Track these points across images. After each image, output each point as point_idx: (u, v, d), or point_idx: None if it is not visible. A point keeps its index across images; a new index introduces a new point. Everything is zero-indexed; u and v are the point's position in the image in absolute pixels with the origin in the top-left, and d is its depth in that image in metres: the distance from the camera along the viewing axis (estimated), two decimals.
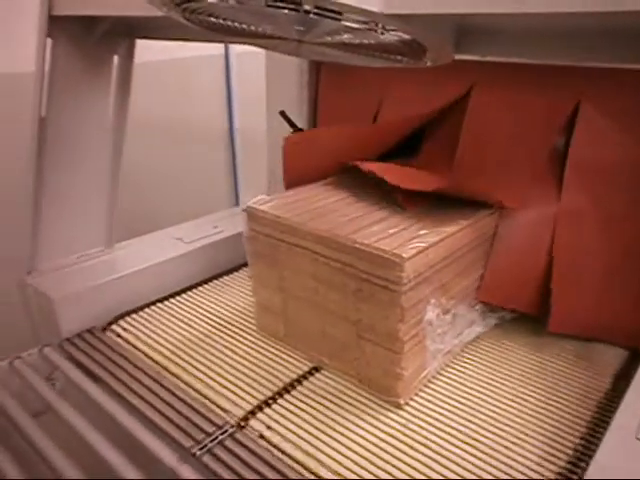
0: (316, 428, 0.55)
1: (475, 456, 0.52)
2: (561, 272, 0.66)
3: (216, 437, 0.53)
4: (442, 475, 0.49)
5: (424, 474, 0.50)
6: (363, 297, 0.57)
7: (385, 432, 0.55)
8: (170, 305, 0.81)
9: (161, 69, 1.42)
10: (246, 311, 0.78)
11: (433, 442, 0.53)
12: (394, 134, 0.79)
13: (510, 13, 0.38)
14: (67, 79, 0.77)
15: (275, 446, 0.53)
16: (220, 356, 0.68)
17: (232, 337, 0.72)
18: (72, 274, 0.79)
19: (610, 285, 0.66)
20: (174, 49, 1.35)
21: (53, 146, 0.77)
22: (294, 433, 0.55)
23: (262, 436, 0.54)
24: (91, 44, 0.78)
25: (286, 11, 0.39)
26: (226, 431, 0.54)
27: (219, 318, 0.77)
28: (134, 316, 0.78)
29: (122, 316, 0.77)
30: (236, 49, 1.66)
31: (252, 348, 0.70)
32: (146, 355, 0.69)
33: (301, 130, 0.91)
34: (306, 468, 0.51)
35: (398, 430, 0.55)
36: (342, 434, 0.55)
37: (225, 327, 0.75)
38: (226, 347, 0.70)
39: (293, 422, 0.56)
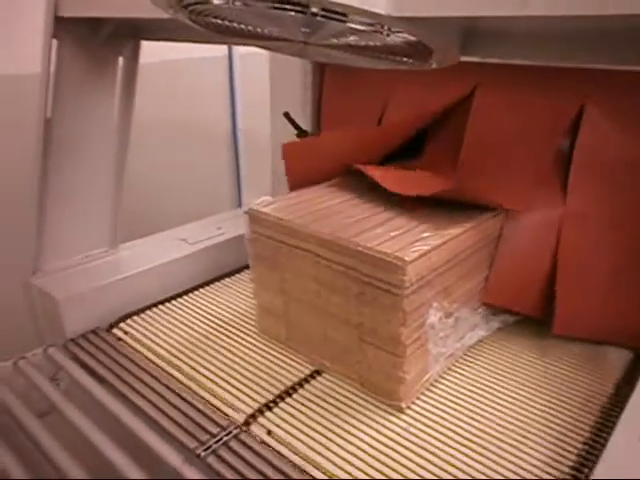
0: (317, 432, 0.55)
1: (477, 460, 0.51)
2: (566, 274, 0.66)
3: (220, 438, 0.53)
4: None
5: (425, 478, 0.49)
6: (365, 300, 0.57)
7: (386, 436, 0.54)
8: (174, 306, 0.81)
9: (164, 70, 1.41)
10: (247, 313, 0.78)
11: (434, 446, 0.53)
12: (397, 136, 0.78)
13: (513, 16, 0.38)
14: (72, 80, 0.76)
15: (275, 450, 0.53)
16: (222, 359, 0.67)
17: (234, 339, 0.72)
18: (77, 275, 0.79)
19: (615, 287, 0.65)
20: (176, 50, 1.35)
21: (58, 147, 0.77)
22: (295, 437, 0.54)
23: (262, 441, 0.54)
24: (96, 45, 0.78)
25: (292, 13, 0.39)
26: (230, 432, 0.54)
27: (222, 319, 0.77)
28: (138, 317, 0.77)
29: (126, 317, 0.77)
30: (239, 50, 1.66)
31: (254, 351, 0.69)
32: (150, 356, 0.68)
33: (305, 132, 0.91)
34: (306, 472, 0.50)
35: (399, 434, 0.54)
36: (343, 438, 0.54)
37: (228, 329, 0.74)
38: (227, 349, 0.69)
39: (294, 426, 0.55)
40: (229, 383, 0.63)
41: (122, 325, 0.75)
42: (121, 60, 0.82)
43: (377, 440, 0.54)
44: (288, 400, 0.59)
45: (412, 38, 0.43)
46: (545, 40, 0.52)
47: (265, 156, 1.03)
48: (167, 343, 0.71)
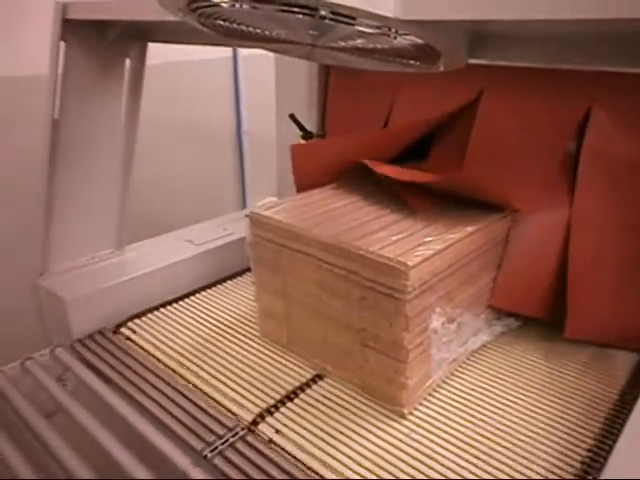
0: (318, 437, 0.54)
1: (480, 467, 0.50)
2: (576, 277, 0.64)
3: (227, 439, 0.52)
4: None
5: None
6: (367, 305, 0.56)
7: (388, 442, 0.53)
8: (180, 307, 0.80)
9: (169, 72, 1.41)
10: (248, 316, 0.77)
11: (436, 452, 0.51)
12: (403, 138, 0.77)
13: (522, 20, 0.38)
14: (80, 82, 0.76)
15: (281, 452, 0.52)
16: (224, 362, 0.66)
17: (236, 342, 0.71)
18: (83, 276, 0.79)
19: (624, 289, 0.64)
20: (179, 52, 1.34)
21: (65, 148, 0.76)
22: (295, 443, 0.53)
23: (270, 440, 0.53)
24: (103, 47, 0.77)
25: (301, 16, 0.39)
26: (237, 433, 0.53)
27: (226, 321, 0.76)
28: (145, 318, 0.77)
29: (133, 318, 0.77)
30: (243, 52, 1.65)
31: (255, 355, 0.68)
32: (156, 357, 0.68)
33: (310, 133, 0.91)
34: (310, 476, 0.49)
35: (401, 440, 0.53)
36: (344, 444, 0.53)
37: (230, 331, 0.73)
38: (228, 353, 0.68)
39: (295, 431, 0.54)
40: (229, 387, 0.62)
41: (128, 326, 0.75)
42: (128, 62, 0.82)
43: (378, 446, 0.52)
44: (289, 405, 0.58)
45: (420, 41, 0.43)
46: (552, 43, 0.52)
47: (269, 158, 1.03)
48: (172, 345, 0.71)
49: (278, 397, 0.60)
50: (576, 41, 0.50)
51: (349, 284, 0.56)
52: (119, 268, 0.82)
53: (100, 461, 0.52)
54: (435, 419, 0.56)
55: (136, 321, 0.77)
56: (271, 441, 0.54)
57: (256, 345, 0.70)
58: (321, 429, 0.55)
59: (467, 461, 0.51)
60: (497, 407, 0.58)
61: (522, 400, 0.58)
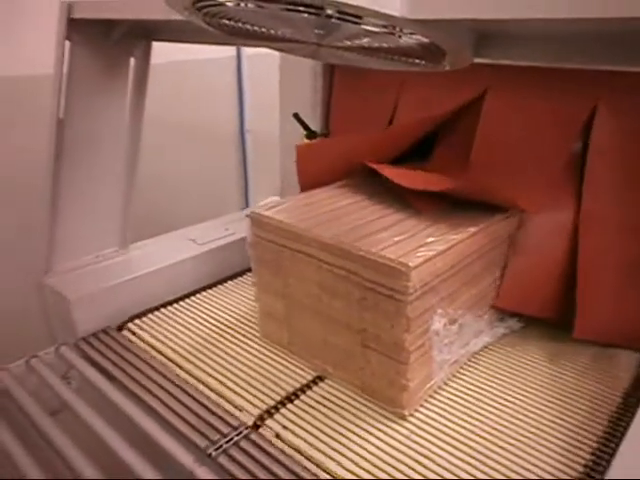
0: (318, 439, 0.53)
1: (480, 470, 0.49)
2: (586, 278, 0.64)
3: (231, 438, 0.52)
4: None
5: None
6: (368, 306, 0.55)
7: (388, 444, 0.52)
8: (184, 306, 0.80)
9: (173, 71, 1.41)
10: (248, 316, 0.77)
11: (437, 454, 0.51)
12: (408, 137, 0.76)
13: (531, 19, 0.38)
14: (84, 81, 0.75)
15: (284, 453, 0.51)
16: (224, 363, 0.66)
17: (237, 343, 0.70)
18: (88, 275, 0.79)
19: (633, 289, 0.63)
20: (183, 51, 1.34)
21: (70, 147, 0.76)
22: (295, 445, 0.52)
23: (275, 438, 0.53)
24: (108, 46, 0.77)
25: (306, 15, 0.39)
26: (241, 432, 0.53)
27: (227, 321, 0.75)
28: (148, 316, 0.77)
29: (137, 316, 0.76)
30: (248, 51, 1.64)
31: (256, 355, 0.67)
32: (158, 356, 0.68)
33: (314, 132, 0.91)
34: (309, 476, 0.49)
35: (402, 442, 0.52)
36: (345, 445, 0.52)
37: (231, 332, 0.73)
38: (229, 354, 0.68)
39: (295, 433, 0.54)
40: (229, 388, 0.61)
41: (132, 324, 0.75)
42: (132, 61, 0.82)
43: (379, 448, 0.52)
44: (290, 406, 0.58)
45: (425, 40, 0.43)
46: (553, 42, 0.52)
47: (272, 157, 1.03)
48: (177, 343, 0.70)
49: (279, 398, 0.59)
50: (577, 40, 0.50)
51: (349, 285, 0.56)
52: (123, 267, 0.82)
53: (104, 458, 0.52)
54: (436, 421, 0.56)
55: (140, 320, 0.76)
56: (271, 444, 0.53)
57: (257, 346, 0.70)
58: (322, 431, 0.54)
59: (467, 463, 0.50)
60: (499, 409, 0.57)
61: (524, 402, 0.58)
